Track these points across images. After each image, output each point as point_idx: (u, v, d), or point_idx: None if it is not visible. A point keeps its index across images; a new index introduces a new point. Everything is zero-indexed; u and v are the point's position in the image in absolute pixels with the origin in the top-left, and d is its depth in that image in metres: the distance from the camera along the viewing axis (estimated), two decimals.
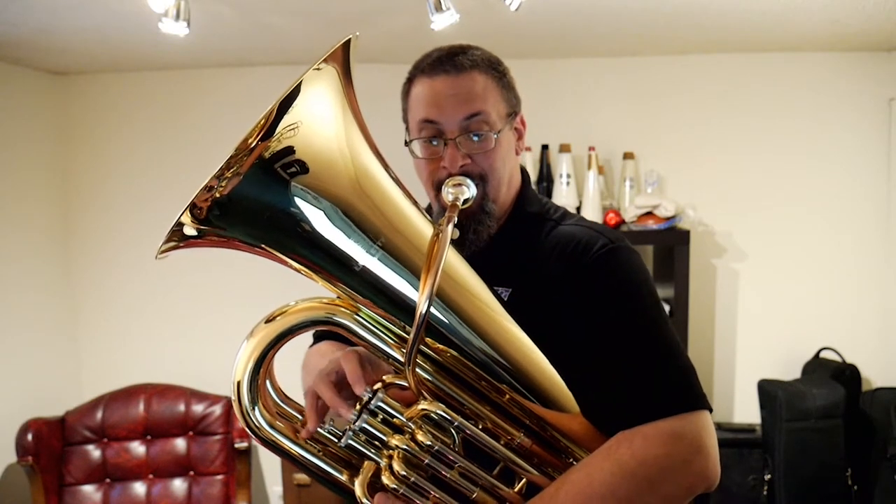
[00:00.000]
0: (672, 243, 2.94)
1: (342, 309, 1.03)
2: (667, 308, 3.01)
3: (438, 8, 1.94)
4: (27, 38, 2.67)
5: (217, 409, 3.11)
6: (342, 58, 0.98)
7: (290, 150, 0.93)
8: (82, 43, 2.79)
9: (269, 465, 3.39)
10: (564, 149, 3.06)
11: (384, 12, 2.47)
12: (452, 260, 1.04)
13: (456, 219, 1.02)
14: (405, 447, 1.01)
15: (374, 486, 1.03)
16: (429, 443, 1.01)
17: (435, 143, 1.17)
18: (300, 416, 1.09)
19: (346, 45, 0.98)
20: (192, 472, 3.10)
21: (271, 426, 1.04)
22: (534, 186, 3.05)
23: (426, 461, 1.01)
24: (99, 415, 3.06)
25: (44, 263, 3.26)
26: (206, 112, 3.31)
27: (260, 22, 2.55)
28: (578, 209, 3.03)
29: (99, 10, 2.35)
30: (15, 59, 3.01)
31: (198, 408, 3.11)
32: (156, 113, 3.33)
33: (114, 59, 3.10)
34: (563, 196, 3.02)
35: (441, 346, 1.02)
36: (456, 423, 1.02)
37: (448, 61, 1.17)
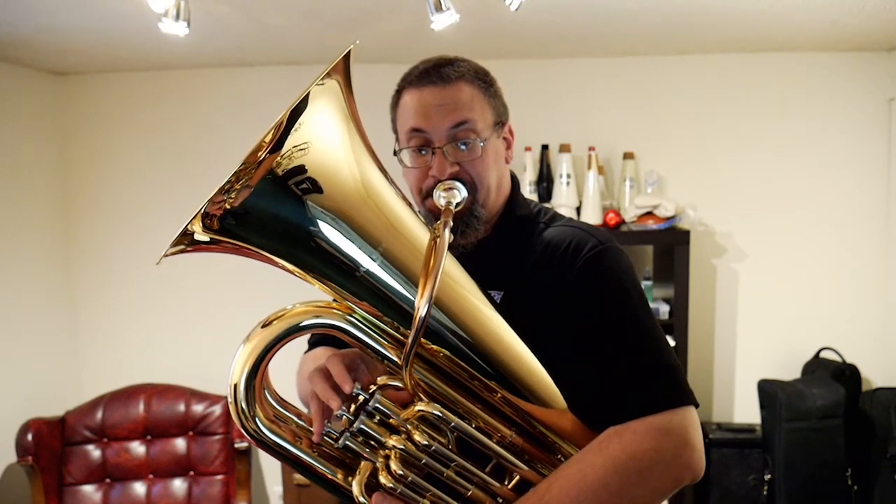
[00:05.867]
0: (672, 243, 2.94)
1: (338, 312, 1.04)
2: (667, 308, 3.01)
3: (438, 8, 1.94)
4: (27, 38, 2.67)
5: (217, 409, 3.11)
6: (343, 68, 1.00)
7: (302, 169, 0.95)
8: (82, 43, 2.79)
9: (269, 465, 3.39)
10: (564, 149, 3.06)
11: (384, 12, 2.47)
12: (447, 262, 1.05)
13: (451, 222, 1.03)
14: (402, 447, 1.02)
15: (371, 485, 1.05)
16: (425, 443, 1.02)
17: (423, 152, 1.19)
18: (297, 419, 1.10)
19: (348, 55, 1.00)
20: (192, 472, 3.10)
21: (268, 429, 1.05)
22: (534, 186, 3.08)
23: (423, 461, 1.03)
24: (99, 415, 3.06)
25: (44, 263, 3.26)
26: (206, 112, 3.31)
27: (260, 22, 2.56)
28: (578, 209, 3.03)
29: (99, 10, 2.36)
30: (15, 59, 3.01)
31: (198, 408, 3.11)
32: (156, 113, 3.34)
33: (114, 59, 3.10)
34: (563, 196, 3.02)
35: (435, 347, 1.04)
36: (452, 424, 1.03)
37: (435, 72, 1.19)
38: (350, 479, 1.06)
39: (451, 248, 1.15)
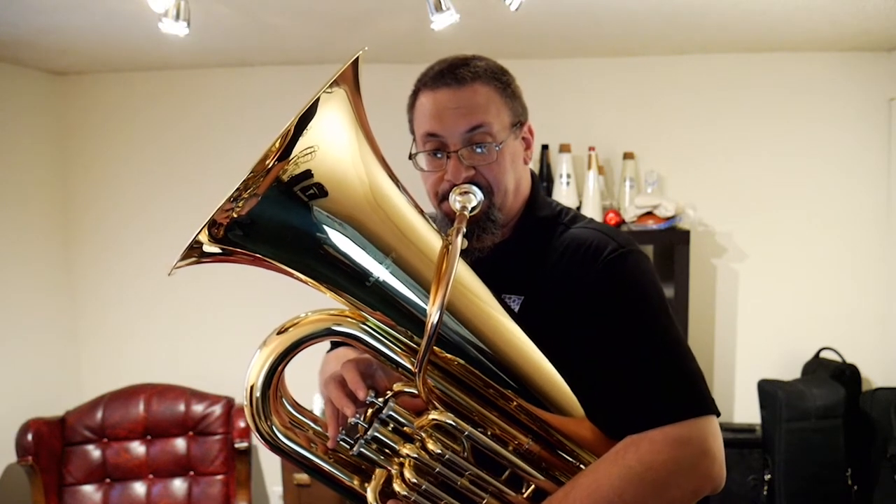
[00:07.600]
0: (672, 243, 2.94)
1: (352, 320, 1.04)
2: None
3: (438, 8, 1.93)
4: (27, 38, 2.67)
5: (217, 409, 3.11)
6: (352, 74, 0.99)
7: (308, 174, 0.94)
8: (82, 43, 2.78)
9: (269, 465, 3.38)
10: (564, 149, 3.06)
11: (384, 12, 2.46)
12: (459, 269, 1.04)
13: (465, 228, 1.02)
14: (416, 456, 1.02)
15: (387, 492, 1.05)
16: (439, 451, 1.02)
17: (439, 155, 1.17)
18: (313, 425, 1.10)
19: (356, 62, 0.99)
20: (192, 472, 3.10)
21: (283, 434, 1.05)
22: None
23: (437, 469, 1.02)
24: (99, 415, 3.06)
25: (44, 263, 3.26)
26: (206, 112, 3.31)
27: (260, 22, 2.55)
28: (578, 209, 3.02)
29: (99, 10, 2.35)
30: (15, 59, 3.00)
31: (198, 408, 3.11)
32: (156, 113, 3.33)
33: (114, 59, 3.09)
34: (563, 196, 3.02)
35: (449, 355, 1.03)
36: (466, 432, 1.03)
37: (450, 74, 1.16)
38: (366, 485, 1.06)
39: (468, 252, 1.14)
